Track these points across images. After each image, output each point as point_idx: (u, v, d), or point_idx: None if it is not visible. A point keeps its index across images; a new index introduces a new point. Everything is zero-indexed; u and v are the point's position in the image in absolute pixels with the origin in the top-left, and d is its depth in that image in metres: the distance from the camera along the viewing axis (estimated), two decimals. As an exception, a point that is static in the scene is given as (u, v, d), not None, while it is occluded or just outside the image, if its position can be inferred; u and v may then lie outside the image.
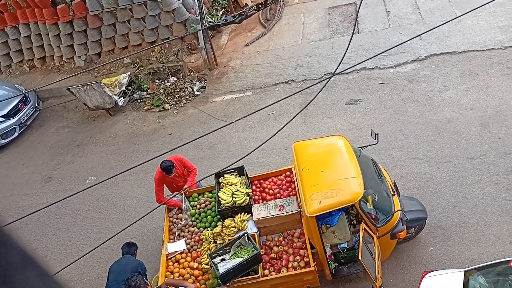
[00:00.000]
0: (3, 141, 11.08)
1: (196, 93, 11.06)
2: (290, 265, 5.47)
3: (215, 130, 6.34)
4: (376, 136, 6.04)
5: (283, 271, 5.42)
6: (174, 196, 6.51)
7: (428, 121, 8.07)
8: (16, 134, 11.28)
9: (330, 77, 7.20)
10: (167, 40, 12.00)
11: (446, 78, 8.90)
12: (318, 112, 9.07)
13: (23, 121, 11.41)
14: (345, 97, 9.31)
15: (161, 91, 11.25)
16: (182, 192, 6.50)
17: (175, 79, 11.47)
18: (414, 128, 7.99)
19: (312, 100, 6.48)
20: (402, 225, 5.57)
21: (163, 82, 11.47)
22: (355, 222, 5.70)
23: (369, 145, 6.24)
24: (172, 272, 5.70)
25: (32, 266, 0.37)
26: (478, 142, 7.34)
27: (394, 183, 6.26)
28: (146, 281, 4.70)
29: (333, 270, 5.64)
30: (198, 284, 5.51)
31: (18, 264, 0.36)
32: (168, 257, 5.94)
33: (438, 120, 8.01)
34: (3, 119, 11.06)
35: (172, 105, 10.88)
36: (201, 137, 6.54)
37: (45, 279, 0.38)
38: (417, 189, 6.87)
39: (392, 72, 9.52)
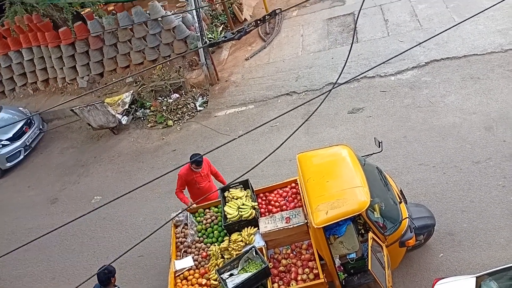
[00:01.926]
0: (9, 164, 11.14)
1: (198, 108, 11.13)
2: (299, 278, 5.41)
3: (219, 147, 6.28)
4: (380, 144, 6.03)
5: (292, 284, 5.36)
6: (191, 204, 6.56)
7: (431, 126, 8.05)
8: (21, 156, 11.35)
9: (332, 87, 7.18)
10: (168, 58, 12.14)
11: (447, 83, 8.91)
12: (321, 122, 9.08)
13: (28, 144, 11.49)
14: (347, 106, 9.32)
15: (163, 108, 11.32)
16: (192, 205, 6.55)
17: (177, 95, 11.56)
18: (418, 135, 7.97)
19: (314, 111, 6.44)
20: (411, 232, 5.51)
21: (165, 99, 11.55)
22: (363, 232, 5.64)
23: (374, 153, 6.22)
24: (180, 290, 5.65)
25: None
26: (483, 146, 7.30)
27: (401, 191, 6.22)
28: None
29: (343, 281, 5.57)
30: (207, 300, 5.46)
31: None
32: (176, 274, 5.89)
33: (442, 125, 7.99)
34: (8, 143, 11.14)
35: (175, 121, 10.94)
36: (205, 154, 6.53)
37: None
38: (424, 196, 6.82)
39: (393, 80, 9.54)
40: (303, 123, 6.52)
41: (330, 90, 6.79)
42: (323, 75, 10.43)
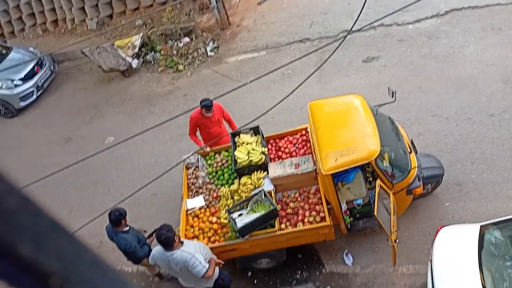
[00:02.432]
0: (22, 104, 11.25)
1: (209, 53, 10.96)
2: (306, 220, 5.58)
3: (230, 92, 6.29)
4: (394, 94, 5.95)
5: (299, 225, 5.54)
6: (204, 147, 6.68)
7: (448, 78, 7.89)
8: (35, 97, 11.42)
9: (347, 34, 7.00)
10: (178, 0, 11.79)
11: (467, 34, 8.61)
12: (334, 71, 8.93)
13: (40, 84, 11.52)
14: (362, 55, 9.11)
15: (174, 52, 11.17)
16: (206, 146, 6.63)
17: (188, 40, 11.35)
18: (433, 85, 7.84)
19: (328, 59, 6.35)
20: (419, 181, 5.59)
21: (175, 43, 11.37)
22: (371, 179, 5.73)
23: (386, 103, 6.16)
24: (192, 226, 5.88)
25: (61, 231, 0.39)
26: (499, 99, 7.18)
27: (411, 141, 6.22)
28: (174, 230, 4.88)
29: (349, 224, 5.74)
30: (217, 236, 5.68)
31: (48, 230, 0.38)
32: (188, 213, 6.10)
33: (459, 76, 7.83)
34: (20, 83, 11.17)
35: (186, 66, 10.82)
36: (216, 99, 6.53)
37: (74, 243, 0.40)
38: (435, 147, 6.82)
39: (411, 28, 9.24)
40: (316, 70, 6.45)
41: (345, 37, 6.64)
42: (338, 21, 10.11)
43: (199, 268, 4.68)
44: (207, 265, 4.76)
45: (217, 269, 5.13)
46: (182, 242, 4.87)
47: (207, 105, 6.43)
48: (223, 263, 5.24)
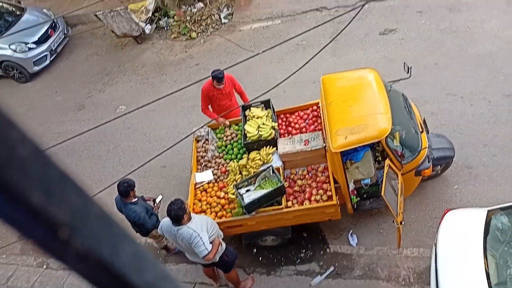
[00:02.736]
0: (36, 68, 11.28)
1: (223, 20, 10.74)
2: (313, 198, 5.61)
3: (241, 62, 6.17)
4: (409, 69, 5.79)
5: (306, 204, 5.58)
6: (223, 121, 6.66)
7: (466, 54, 7.64)
8: (48, 61, 11.42)
9: (364, 4, 6.79)
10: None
11: (490, 7, 8.25)
12: (349, 43, 8.71)
13: (53, 48, 11.49)
14: (379, 27, 8.84)
15: (187, 18, 10.97)
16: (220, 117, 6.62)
17: (202, 5, 11.12)
18: (450, 62, 7.60)
19: (343, 30, 6.15)
20: (428, 162, 5.53)
21: (189, 8, 11.14)
22: (380, 159, 5.69)
23: (401, 79, 6.01)
24: (200, 200, 5.98)
25: (70, 183, 0.40)
26: (517, 79, 6.96)
27: (424, 120, 6.12)
28: (184, 204, 4.91)
29: (355, 204, 5.76)
30: (224, 212, 5.78)
31: (58, 181, 0.39)
32: (196, 186, 6.19)
33: (477, 53, 7.57)
34: (34, 46, 11.15)
35: (199, 34, 10.66)
36: (227, 69, 6.44)
37: (82, 196, 0.42)
38: (447, 127, 6.70)
39: (432, 0, 8.87)
40: (330, 42, 6.29)
41: (362, 6, 6.40)
42: (357, -10, 9.74)
43: (201, 249, 4.76)
44: (210, 247, 4.82)
45: (223, 244, 5.24)
46: (190, 217, 4.91)
47: (218, 77, 6.32)
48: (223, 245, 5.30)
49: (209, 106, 6.79)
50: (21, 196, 0.36)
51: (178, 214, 4.73)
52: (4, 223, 0.38)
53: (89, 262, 0.42)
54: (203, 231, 4.83)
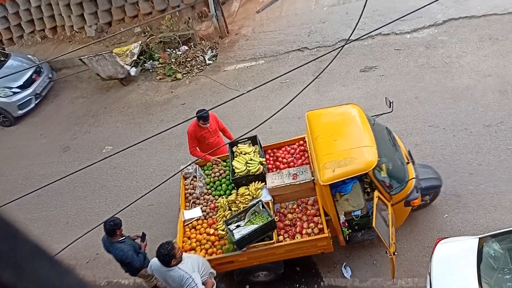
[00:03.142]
0: (20, 112, 11.23)
1: (207, 62, 10.99)
2: (304, 232, 5.56)
3: (228, 101, 6.27)
4: (391, 104, 5.96)
5: (297, 237, 5.52)
6: (189, 164, 6.60)
7: (445, 88, 7.92)
8: (33, 104, 11.41)
9: (345, 44, 7.02)
10: (177, 8, 11.84)
11: (464, 44, 8.66)
12: (331, 80, 8.96)
13: (38, 92, 11.51)
14: (359, 64, 9.15)
15: (172, 60, 11.19)
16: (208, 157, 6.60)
17: (186, 48, 11.39)
18: (430, 96, 7.86)
19: (325, 68, 6.33)
20: (417, 192, 5.58)
21: (174, 51, 11.40)
22: (369, 190, 5.72)
23: (384, 113, 6.17)
24: (189, 238, 5.85)
25: (42, 256, 0.38)
26: (495, 109, 7.20)
27: (409, 151, 6.21)
28: (174, 244, 4.80)
29: (347, 236, 5.72)
30: (215, 248, 5.66)
31: (30, 256, 0.37)
32: (185, 224, 6.08)
33: (455, 87, 7.86)
34: (19, 90, 11.16)
35: (184, 75, 10.85)
36: (214, 108, 6.52)
37: (56, 268, 0.40)
38: (432, 157, 6.83)
39: (409, 38, 9.29)
40: (313, 80, 6.45)
41: (343, 46, 6.65)
42: (336, 30, 10.16)
43: (195, 287, 4.64)
44: (203, 287, 4.72)
45: (214, 282, 5.10)
46: (181, 259, 4.78)
47: (204, 116, 6.40)
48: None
49: (197, 147, 6.80)
50: None
51: (165, 259, 4.65)
52: None
53: None
54: (194, 272, 4.72)
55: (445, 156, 6.80)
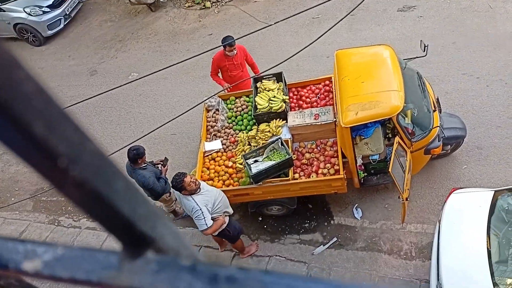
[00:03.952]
0: (50, 32, 11.29)
1: (238, -10, 10.56)
2: (320, 171, 5.63)
3: (255, 31, 6.09)
4: (426, 48, 5.68)
5: (312, 176, 5.62)
6: (227, 87, 6.65)
7: (485, 34, 7.46)
8: (62, 25, 11.42)
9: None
10: None
11: (514, -14, 7.98)
12: (366, 18, 8.54)
13: (67, 13, 11.46)
14: (398, 3, 8.64)
15: (202, -14, 10.81)
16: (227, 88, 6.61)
17: (217, -27, 10.92)
18: (469, 42, 7.44)
19: (360, 4, 6.03)
20: (438, 141, 5.50)
21: (205, -23, 10.96)
22: (390, 136, 5.67)
23: (417, 57, 5.92)
24: (208, 168, 6.04)
25: (69, 121, 0.43)
26: (537, 61, 6.80)
27: (437, 99, 6.04)
28: (185, 178, 4.86)
29: (362, 179, 5.78)
30: (232, 180, 5.84)
31: (59, 118, 0.42)
32: (205, 155, 6.24)
33: (497, 34, 7.38)
34: (48, 10, 11.13)
35: (213, 3, 10.52)
36: (241, 37, 6.38)
37: (80, 133, 0.44)
38: (461, 107, 6.62)
39: (455, -23, 8.61)
40: (347, 15, 6.14)
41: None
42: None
43: (201, 223, 4.82)
44: (210, 223, 4.85)
45: (226, 219, 5.26)
46: (199, 188, 4.91)
47: (229, 42, 6.26)
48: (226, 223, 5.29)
49: (219, 74, 6.78)
50: (25, 126, 0.39)
51: (176, 188, 4.84)
52: (11, 151, 0.41)
53: (84, 191, 0.45)
54: (207, 205, 4.86)
55: (474, 107, 6.58)
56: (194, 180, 4.86)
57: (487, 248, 4.41)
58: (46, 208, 7.65)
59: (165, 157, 6.15)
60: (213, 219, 4.99)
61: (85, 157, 0.44)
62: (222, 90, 6.73)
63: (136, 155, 5.51)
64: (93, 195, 0.46)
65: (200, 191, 4.93)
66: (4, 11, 11.05)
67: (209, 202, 4.95)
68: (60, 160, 0.42)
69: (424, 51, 5.70)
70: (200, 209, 4.81)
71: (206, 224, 4.83)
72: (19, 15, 11.02)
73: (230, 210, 5.39)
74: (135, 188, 0.52)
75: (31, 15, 11.01)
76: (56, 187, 0.46)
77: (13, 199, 7.83)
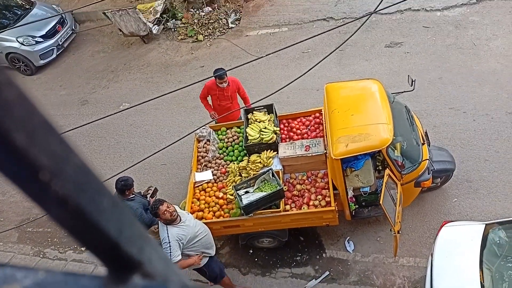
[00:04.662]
0: (42, 62, 11.33)
1: (230, 25, 10.82)
2: (311, 203, 5.60)
3: (247, 63, 6.21)
4: (413, 82, 5.83)
5: (304, 208, 5.58)
6: (213, 114, 6.69)
7: (470, 70, 7.69)
8: (54, 55, 11.49)
9: (371, 14, 6.82)
10: (204, -33, 11.57)
11: (496, 26, 8.32)
12: (355, 54, 8.77)
13: (60, 43, 11.56)
14: (385, 39, 8.91)
15: (195, 21, 11.05)
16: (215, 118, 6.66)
17: (210, 9, 11.20)
18: (455, 77, 7.65)
19: (349, 39, 6.17)
20: (428, 174, 5.54)
21: (197, 12, 11.23)
22: (380, 168, 5.71)
23: (405, 91, 6.05)
24: (198, 199, 5.97)
25: (53, 131, 0.41)
26: (521, 97, 7.00)
27: (426, 132, 6.14)
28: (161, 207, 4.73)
29: (353, 211, 5.76)
30: (222, 212, 5.77)
31: (42, 127, 0.40)
32: (196, 185, 6.19)
33: (481, 70, 7.62)
34: (41, 40, 11.21)
35: (206, 37, 10.73)
36: (232, 69, 6.47)
37: (64, 145, 0.42)
38: (449, 140, 6.72)
39: (439, 16, 8.96)
40: (335, 50, 6.29)
41: (368, 17, 6.47)
42: (365, 2, 9.85)
43: (167, 254, 4.60)
44: (177, 259, 4.66)
45: (204, 260, 5.10)
46: (178, 220, 4.79)
47: (220, 75, 6.36)
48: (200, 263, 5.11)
49: (209, 99, 6.87)
50: (4, 135, 0.36)
51: (153, 213, 4.77)
52: None
53: (67, 208, 0.42)
54: (179, 240, 4.71)
55: (462, 140, 6.69)
56: (171, 211, 4.70)
57: (481, 282, 4.37)
58: (31, 240, 7.43)
59: (155, 188, 6.08)
60: (188, 255, 4.85)
61: (69, 171, 0.42)
62: (212, 121, 6.77)
63: (123, 186, 5.43)
64: (76, 213, 0.43)
65: (179, 222, 4.79)
66: (-3, 40, 11.11)
67: (184, 238, 4.77)
68: (42, 174, 0.39)
69: (411, 85, 5.84)
70: (169, 242, 4.64)
71: (173, 257, 4.63)
72: (12, 45, 11.07)
73: (211, 252, 5.20)
74: (122, 207, 0.50)
75: (24, 45, 11.07)
76: (36, 203, 0.43)
77: (-4, 229, 7.60)
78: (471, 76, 7.57)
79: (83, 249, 6.95)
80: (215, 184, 6.16)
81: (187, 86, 5.48)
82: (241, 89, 6.84)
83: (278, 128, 6.28)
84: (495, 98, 7.10)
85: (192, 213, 5.59)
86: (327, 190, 5.67)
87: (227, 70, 6.27)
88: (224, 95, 6.66)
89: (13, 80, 0.38)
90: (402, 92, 6.09)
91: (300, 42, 6.75)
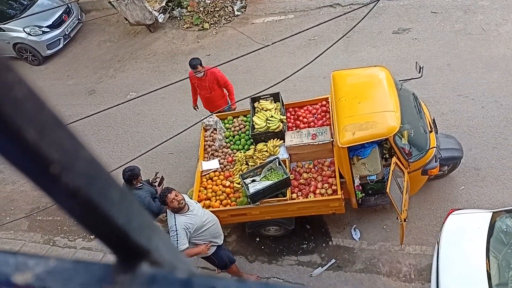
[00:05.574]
0: (49, 52, 11.37)
1: (236, 13, 10.74)
2: (317, 192, 5.62)
3: (252, 52, 6.17)
4: (421, 69, 5.76)
5: (310, 196, 5.60)
6: (210, 116, 6.70)
7: (479, 56, 7.58)
8: (61, 45, 11.52)
9: (378, 0, 6.76)
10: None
11: (506, 10, 8.16)
12: (362, 40, 8.67)
13: (67, 33, 11.58)
14: (393, 25, 8.79)
15: (201, 9, 10.98)
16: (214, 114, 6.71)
17: (216, -4, 11.11)
18: (463, 64, 7.55)
19: (356, 25, 6.11)
20: (436, 162, 5.52)
21: (203, 0, 11.15)
22: (387, 156, 5.69)
23: (412, 78, 5.98)
24: (205, 188, 6.01)
25: (63, 127, 0.42)
26: (531, 83, 6.90)
27: (433, 120, 6.09)
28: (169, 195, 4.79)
29: (360, 199, 5.76)
30: (229, 200, 5.81)
31: (51, 123, 0.41)
32: (202, 174, 6.23)
33: (491, 56, 7.50)
34: (48, 30, 11.24)
35: (212, 25, 10.67)
36: (237, 58, 6.44)
37: (73, 140, 0.43)
38: (457, 128, 6.67)
39: (448, 1, 8.80)
40: (342, 37, 6.23)
41: (376, 3, 6.36)
42: (372, -12, 9.68)
43: (174, 242, 4.66)
44: (183, 247, 4.69)
45: (211, 249, 5.14)
46: (186, 208, 4.83)
47: (191, 64, 6.54)
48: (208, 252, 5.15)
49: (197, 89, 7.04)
50: (16, 131, 0.38)
51: (162, 200, 4.85)
52: (1, 156, 0.40)
53: (77, 200, 0.43)
54: (186, 229, 4.75)
55: (470, 128, 6.63)
56: (179, 200, 4.74)
57: (487, 270, 4.37)
58: (42, 228, 7.56)
59: (162, 176, 6.13)
60: (196, 244, 4.90)
61: (78, 165, 0.43)
62: (218, 111, 6.78)
63: (130, 176, 5.47)
64: (86, 204, 0.44)
65: (187, 211, 4.84)
66: (4, 30, 11.14)
67: (191, 227, 4.81)
68: (53, 167, 0.40)
69: (419, 72, 5.78)
70: (176, 230, 4.69)
71: (180, 244, 4.68)
72: (19, 35, 11.12)
73: (219, 241, 5.24)
74: (131, 198, 0.51)
75: (31, 35, 11.11)
76: (48, 196, 0.44)
77: (8, 218, 7.74)
78: (480, 62, 7.47)
79: (92, 237, 7.07)
80: (222, 173, 6.19)
81: (193, 75, 5.47)
82: (221, 81, 6.82)
83: (284, 117, 6.27)
84: (504, 85, 7.00)
85: (199, 201, 5.64)
86: (334, 179, 5.68)
87: (234, 59, 6.23)
88: (203, 85, 6.78)
89: (23, 78, 0.39)
90: (410, 79, 6.03)
91: (307, 29, 6.69)
